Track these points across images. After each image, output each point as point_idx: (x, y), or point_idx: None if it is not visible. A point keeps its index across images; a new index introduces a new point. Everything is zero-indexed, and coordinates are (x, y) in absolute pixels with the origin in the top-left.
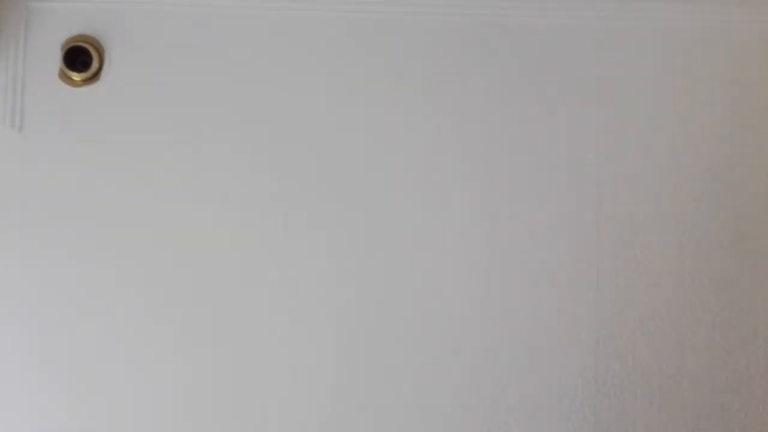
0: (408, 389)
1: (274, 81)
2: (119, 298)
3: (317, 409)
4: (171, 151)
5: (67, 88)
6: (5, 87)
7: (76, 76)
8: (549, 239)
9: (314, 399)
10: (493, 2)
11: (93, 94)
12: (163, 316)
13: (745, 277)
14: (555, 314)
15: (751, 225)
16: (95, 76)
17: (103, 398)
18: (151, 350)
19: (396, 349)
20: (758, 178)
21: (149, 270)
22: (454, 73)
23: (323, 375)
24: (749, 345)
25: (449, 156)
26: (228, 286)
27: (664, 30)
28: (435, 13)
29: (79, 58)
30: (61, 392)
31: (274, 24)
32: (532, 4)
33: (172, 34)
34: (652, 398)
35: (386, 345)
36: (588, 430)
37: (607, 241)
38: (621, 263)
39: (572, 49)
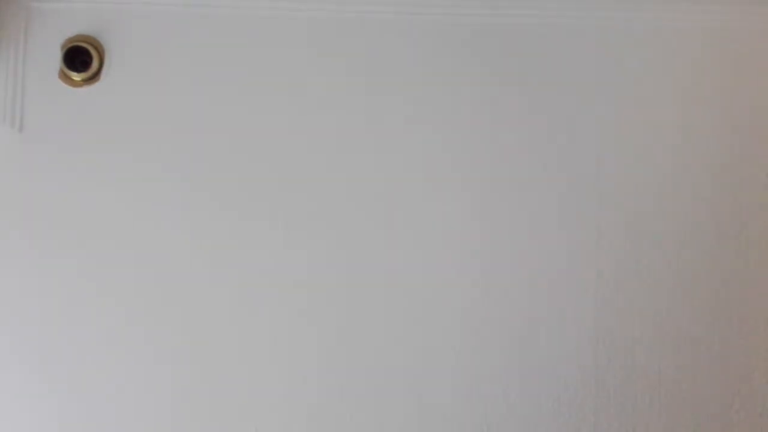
0: (408, 389)
1: (274, 80)
2: (119, 298)
3: (317, 409)
4: (171, 151)
5: (67, 88)
6: (5, 87)
7: (76, 76)
8: (549, 239)
9: (314, 399)
10: (493, 2)
11: (93, 94)
12: (163, 316)
13: (745, 276)
14: (555, 314)
15: (751, 224)
16: (95, 76)
17: (102, 399)
18: (151, 351)
19: (396, 348)
20: (758, 178)
21: (149, 269)
22: (453, 73)
23: (323, 374)
24: (749, 345)
25: (449, 156)
26: (228, 287)
27: (665, 30)
28: (435, 13)
29: (79, 58)
30: (61, 393)
31: (274, 24)
32: (532, 4)
33: (172, 34)
34: (652, 398)
35: (386, 345)
36: (588, 430)
37: (607, 241)
38: (621, 263)
39: (572, 49)
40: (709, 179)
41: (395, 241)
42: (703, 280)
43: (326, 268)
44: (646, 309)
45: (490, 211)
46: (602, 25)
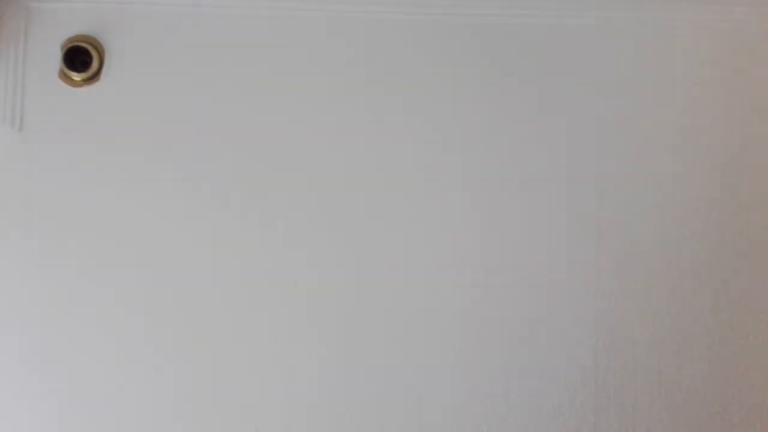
0: (408, 389)
1: (274, 80)
2: (119, 298)
3: (317, 409)
4: (171, 151)
5: (67, 88)
6: (5, 87)
7: (76, 76)
8: (548, 239)
9: (314, 399)
10: (493, 2)
11: (93, 94)
12: (164, 316)
13: (745, 277)
14: (555, 314)
15: (752, 225)
16: (95, 76)
17: (102, 399)
18: (151, 351)
19: (395, 349)
20: (759, 178)
21: (149, 270)
22: (453, 73)
23: (323, 374)
24: (749, 345)
25: (449, 156)
26: (229, 287)
27: (665, 30)
28: (435, 13)
29: (79, 58)
30: (61, 393)
31: (274, 24)
32: (532, 3)
33: (172, 34)
34: (652, 398)
35: (386, 345)
36: (588, 430)
37: (607, 241)
38: (621, 263)
39: (573, 49)
40: (709, 179)
41: (395, 241)
42: (703, 280)
43: (326, 267)
44: (646, 309)
45: (490, 211)
46: (602, 25)
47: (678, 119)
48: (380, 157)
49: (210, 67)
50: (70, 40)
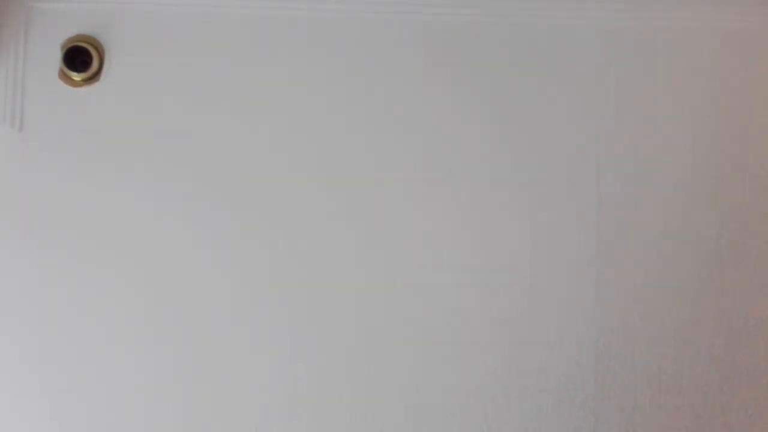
0: (407, 389)
1: (274, 81)
2: (119, 298)
3: (318, 409)
4: (170, 151)
5: (67, 88)
6: (5, 87)
7: (76, 76)
8: (549, 238)
9: (314, 399)
10: (493, 2)
11: (93, 94)
12: (164, 316)
13: (745, 277)
14: (555, 314)
15: (751, 225)
16: (95, 76)
17: (102, 399)
18: (151, 351)
19: (396, 348)
20: (759, 179)
21: (149, 270)
22: (453, 73)
23: (323, 374)
24: (749, 345)
25: (449, 156)
26: (229, 288)
27: (665, 30)
28: (434, 12)
29: (79, 58)
30: (61, 393)
31: (274, 24)
32: (532, 3)
33: (172, 34)
34: (652, 398)
35: (386, 344)
36: (588, 430)
37: (607, 241)
38: (621, 263)
39: (572, 49)
40: (709, 179)
41: (395, 241)
42: (703, 280)
43: (326, 268)
44: (646, 309)
45: (489, 210)
46: (602, 25)
47: (678, 119)
48: (380, 156)
49: (210, 66)
50: (70, 40)
